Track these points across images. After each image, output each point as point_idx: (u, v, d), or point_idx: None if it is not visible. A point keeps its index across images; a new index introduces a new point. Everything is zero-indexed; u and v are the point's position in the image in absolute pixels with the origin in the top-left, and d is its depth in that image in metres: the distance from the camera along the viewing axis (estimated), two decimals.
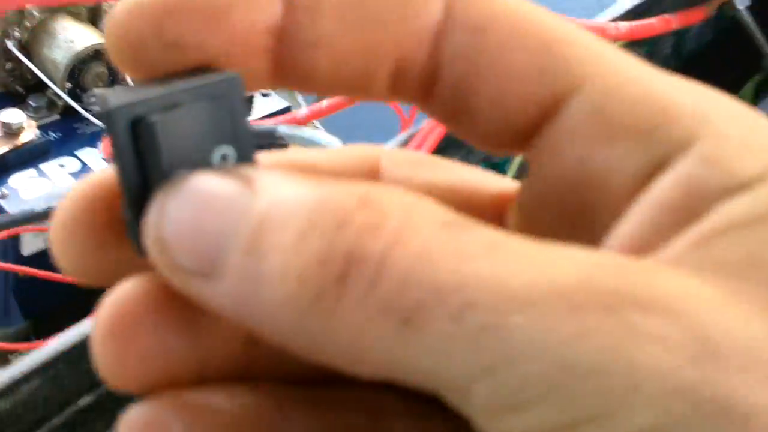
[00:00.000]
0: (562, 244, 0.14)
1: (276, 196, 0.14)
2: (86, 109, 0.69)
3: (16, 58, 0.69)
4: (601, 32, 0.50)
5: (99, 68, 0.70)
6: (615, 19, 0.52)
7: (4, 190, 0.64)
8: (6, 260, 0.64)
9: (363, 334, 0.13)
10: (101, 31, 0.72)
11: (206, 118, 0.15)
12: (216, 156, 0.16)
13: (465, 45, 0.16)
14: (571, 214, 0.16)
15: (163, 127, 0.15)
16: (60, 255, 0.17)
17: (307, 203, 0.14)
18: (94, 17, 0.73)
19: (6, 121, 0.65)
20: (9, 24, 0.69)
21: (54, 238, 0.17)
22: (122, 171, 0.15)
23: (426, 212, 0.14)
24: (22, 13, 0.69)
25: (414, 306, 0.13)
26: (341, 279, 0.13)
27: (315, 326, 0.13)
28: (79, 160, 0.67)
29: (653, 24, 0.53)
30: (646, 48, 0.59)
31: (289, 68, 0.16)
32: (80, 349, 0.39)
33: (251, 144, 0.16)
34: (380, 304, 0.13)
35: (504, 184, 0.18)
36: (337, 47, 0.16)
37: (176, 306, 0.16)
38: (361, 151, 0.19)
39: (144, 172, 0.15)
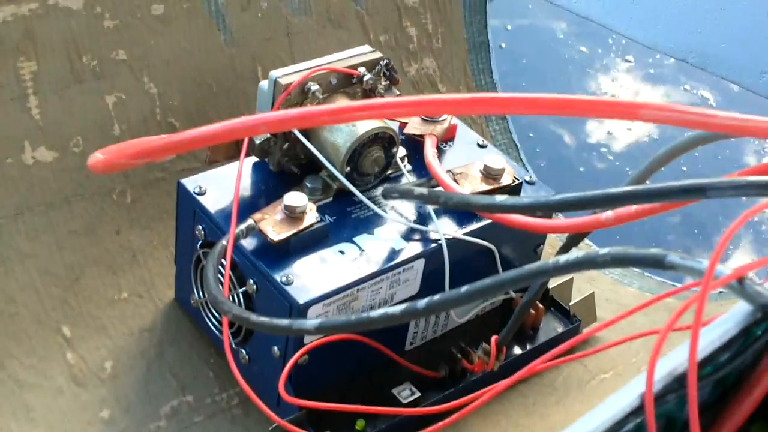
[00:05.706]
0: None
1: None
2: (363, 192, 0.68)
3: (295, 138, 0.69)
4: None
5: (377, 152, 0.69)
6: None
7: (290, 275, 0.63)
8: (289, 345, 0.64)
9: None
10: None
11: None
12: None
13: None
14: None
15: None
16: None
17: None
18: (368, 98, 0.72)
19: (290, 204, 0.65)
20: (292, 105, 0.69)
21: None
22: None
23: None
24: (305, 94, 0.69)
25: None
26: None
27: None
28: (357, 246, 0.66)
29: None
30: None
31: None
32: None
33: None
34: None
35: None
36: None
37: None
38: None
39: None
